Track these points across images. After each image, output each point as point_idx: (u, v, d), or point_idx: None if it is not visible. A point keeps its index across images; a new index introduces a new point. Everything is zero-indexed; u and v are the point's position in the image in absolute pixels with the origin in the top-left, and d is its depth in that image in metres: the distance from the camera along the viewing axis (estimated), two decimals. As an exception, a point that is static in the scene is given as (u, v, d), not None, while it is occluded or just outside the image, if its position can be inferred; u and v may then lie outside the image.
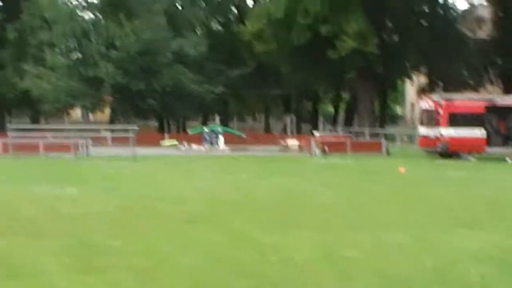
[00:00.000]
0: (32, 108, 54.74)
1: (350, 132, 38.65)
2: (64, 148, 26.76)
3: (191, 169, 20.88)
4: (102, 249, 8.12)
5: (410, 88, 59.94)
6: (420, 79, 49.20)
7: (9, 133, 25.39)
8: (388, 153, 30.55)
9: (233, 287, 6.47)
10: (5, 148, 25.93)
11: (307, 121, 62.68)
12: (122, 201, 12.60)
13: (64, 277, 6.71)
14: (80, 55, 42.83)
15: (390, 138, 34.90)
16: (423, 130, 30.23)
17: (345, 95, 60.62)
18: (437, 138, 28.51)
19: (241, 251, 8.13)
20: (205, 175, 18.86)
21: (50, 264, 7.27)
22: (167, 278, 6.75)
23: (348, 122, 51.96)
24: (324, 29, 38.66)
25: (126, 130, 29.05)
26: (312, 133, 39.19)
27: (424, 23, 44.50)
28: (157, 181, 16.89)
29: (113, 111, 50.22)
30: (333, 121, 57.56)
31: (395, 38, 45.08)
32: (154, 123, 59.43)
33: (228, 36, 50.55)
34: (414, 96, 54.55)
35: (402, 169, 20.88)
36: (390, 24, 44.64)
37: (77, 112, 79.57)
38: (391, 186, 16.39)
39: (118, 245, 8.35)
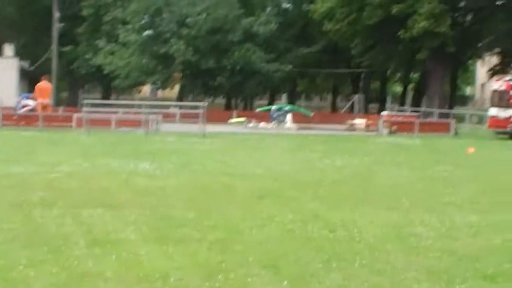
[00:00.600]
0: (103, 83, 56.01)
1: (419, 112, 38.27)
2: (135, 123, 27.38)
3: (259, 147, 21.10)
4: (178, 221, 8.40)
5: (480, 69, 58.85)
6: (492, 59, 48.25)
7: (84, 108, 26.10)
8: (456, 133, 30.21)
9: (305, 261, 6.62)
10: (79, 123, 26.71)
11: (374, 100, 62.28)
12: (195, 176, 12.92)
13: (144, 246, 7.00)
14: (152, 32, 43.49)
15: (459, 119, 34.43)
16: (494, 111, 29.80)
17: (414, 75, 59.90)
18: (508, 119, 28.10)
19: (311, 227, 8.28)
20: (274, 153, 19.07)
21: (130, 234, 7.59)
22: (242, 250, 6.97)
23: (416, 102, 51.41)
24: (396, 9, 38.28)
25: (197, 107, 29.44)
26: (380, 113, 39.06)
27: (499, 2, 43.55)
28: (227, 157, 17.15)
29: (182, 88, 50.93)
30: (401, 101, 57.03)
31: (469, 18, 44.34)
32: (221, 101, 59.98)
33: (298, 14, 50.55)
34: (484, 77, 53.59)
35: (471, 150, 20.68)
36: (463, 4, 43.87)
37: (146, 89, 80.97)
38: (460, 166, 16.24)
39: (193, 217, 8.62)
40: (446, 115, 36.77)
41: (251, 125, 33.30)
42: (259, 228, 8.13)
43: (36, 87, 30.43)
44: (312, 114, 38.97)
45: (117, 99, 65.54)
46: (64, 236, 7.38)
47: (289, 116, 34.20)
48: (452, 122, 31.31)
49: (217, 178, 12.67)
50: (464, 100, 67.63)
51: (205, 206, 9.57)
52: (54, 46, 45.80)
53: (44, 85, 30.32)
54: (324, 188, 11.79)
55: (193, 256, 6.71)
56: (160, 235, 7.56)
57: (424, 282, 5.99)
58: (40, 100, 29.58)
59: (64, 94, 60.89)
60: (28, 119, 28.37)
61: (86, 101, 27.37)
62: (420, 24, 37.28)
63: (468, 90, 74.09)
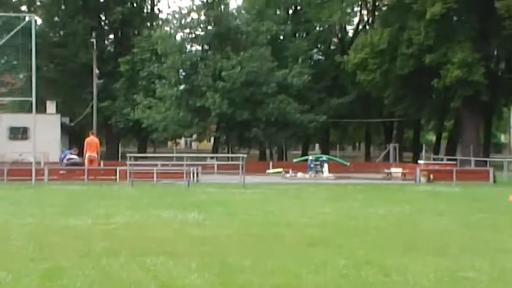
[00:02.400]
0: (140, 136, 57.03)
1: (455, 161, 38.34)
2: (176, 175, 27.97)
3: (300, 196, 21.40)
4: (236, 267, 8.75)
5: (515, 116, 58.81)
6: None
7: (128, 161, 26.77)
8: (495, 181, 30.24)
9: (365, 303, 6.94)
10: (123, 175, 27.35)
11: (408, 149, 62.41)
12: (243, 225, 13.27)
13: (210, 291, 7.40)
14: (188, 86, 44.39)
15: (496, 166, 34.40)
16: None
17: (448, 123, 60.06)
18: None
19: (366, 272, 8.58)
20: (315, 202, 19.34)
21: (195, 279, 7.97)
22: (303, 294, 7.32)
23: (450, 150, 51.44)
24: (428, 59, 38.73)
25: (235, 158, 29.93)
26: (416, 161, 39.23)
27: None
28: (270, 207, 17.45)
29: (216, 140, 51.67)
30: (435, 149, 57.07)
31: (502, 66, 44.70)
32: (254, 151, 60.55)
33: (331, 65, 51.30)
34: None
35: (512, 198, 20.79)
36: (496, 53, 44.27)
37: (181, 141, 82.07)
38: (503, 214, 16.41)
39: (250, 264, 8.97)
40: (483, 163, 36.80)
41: (288, 175, 33.68)
42: (314, 274, 8.44)
43: (85, 141, 31.34)
44: (348, 163, 39.30)
45: (153, 151, 66.58)
46: (135, 281, 7.80)
47: (326, 166, 34.53)
48: (491, 170, 31.32)
49: (265, 227, 13.01)
50: (499, 148, 67.45)
51: (259, 253, 9.90)
52: (94, 102, 46.96)
53: (92, 139, 31.34)
54: (371, 235, 12.06)
55: (259, 300, 7.07)
56: (223, 281, 7.94)
57: (483, 323, 6.27)
58: (88, 154, 30.49)
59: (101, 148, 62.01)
60: (72, 173, 29.10)
61: (129, 155, 28.04)
62: (453, 73, 37.66)
63: (502, 138, 73.85)
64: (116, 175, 28.47)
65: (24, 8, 55.71)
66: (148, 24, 55.92)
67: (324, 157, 37.03)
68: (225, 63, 42.19)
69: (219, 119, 44.39)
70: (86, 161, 30.44)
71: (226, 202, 18.70)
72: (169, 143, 72.12)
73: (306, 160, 36.79)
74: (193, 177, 28.53)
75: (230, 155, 41.64)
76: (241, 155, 29.27)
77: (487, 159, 39.25)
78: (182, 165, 28.89)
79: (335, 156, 45.08)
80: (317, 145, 73.05)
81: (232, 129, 44.89)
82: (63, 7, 55.81)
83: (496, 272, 8.68)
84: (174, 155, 38.43)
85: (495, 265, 9.12)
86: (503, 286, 7.90)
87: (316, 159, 35.61)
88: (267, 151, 57.08)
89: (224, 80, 41.83)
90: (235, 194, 22.04)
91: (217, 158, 39.34)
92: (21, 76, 46.58)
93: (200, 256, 9.57)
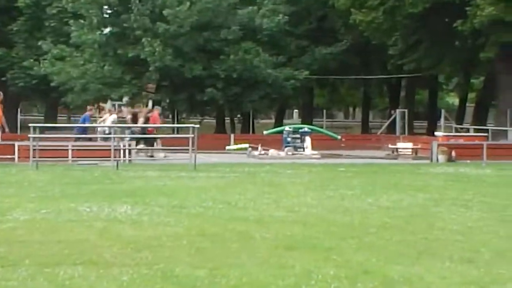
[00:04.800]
0: (49, 99, 56.41)
1: (486, 132, 38.63)
2: (101, 153, 27.81)
3: (274, 182, 21.46)
4: (186, 280, 8.74)
5: None
6: None
7: (30, 135, 26.42)
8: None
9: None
10: (24, 154, 27.04)
11: (421, 117, 62.78)
12: (195, 222, 13.26)
13: (150, 314, 7.40)
14: (116, 29, 44.01)
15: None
16: None
17: (476, 81, 60.45)
18: None
19: (364, 285, 8.64)
20: (295, 189, 19.41)
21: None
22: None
23: (479, 118, 51.77)
24: (450, -7, 38.84)
25: (185, 130, 29.82)
26: (433, 133, 39.52)
27: None
28: (232, 197, 17.46)
29: (157, 104, 51.40)
30: (458, 116, 57.39)
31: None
32: (210, 121, 60.45)
33: (316, 2, 51.11)
34: None
35: None
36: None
37: (106, 106, 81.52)
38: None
39: (205, 276, 8.97)
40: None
41: (257, 153, 33.69)
42: (294, 288, 8.50)
43: None
44: (340, 137, 39.44)
45: (68, 120, 66.01)
46: (42, 303, 7.78)
47: (308, 140, 34.57)
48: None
49: (226, 224, 13.03)
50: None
51: (217, 260, 9.92)
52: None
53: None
54: (371, 235, 12.15)
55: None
56: (170, 301, 7.95)
57: None
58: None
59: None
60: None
61: (32, 125, 27.58)
62: (484, 12, 37.72)
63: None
64: (14, 153, 28.23)
65: None
66: None
67: (306, 128, 37.11)
68: (168, -3, 42.02)
69: (160, 76, 44.19)
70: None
71: (171, 191, 18.71)
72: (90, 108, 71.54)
73: (282, 132, 36.84)
74: (125, 155, 28.46)
75: (176, 125, 41.55)
76: (191, 125, 29.24)
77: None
78: (109, 139, 28.75)
79: (321, 127, 45.23)
80: (296, 111, 73.16)
81: (179, 90, 44.74)
82: None
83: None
84: (97, 125, 38.12)
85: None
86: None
87: (295, 131, 35.67)
88: (228, 120, 57.06)
89: (167, 22, 41.60)
90: (182, 179, 22.09)
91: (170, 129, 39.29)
92: None
93: (135, 265, 9.55)
